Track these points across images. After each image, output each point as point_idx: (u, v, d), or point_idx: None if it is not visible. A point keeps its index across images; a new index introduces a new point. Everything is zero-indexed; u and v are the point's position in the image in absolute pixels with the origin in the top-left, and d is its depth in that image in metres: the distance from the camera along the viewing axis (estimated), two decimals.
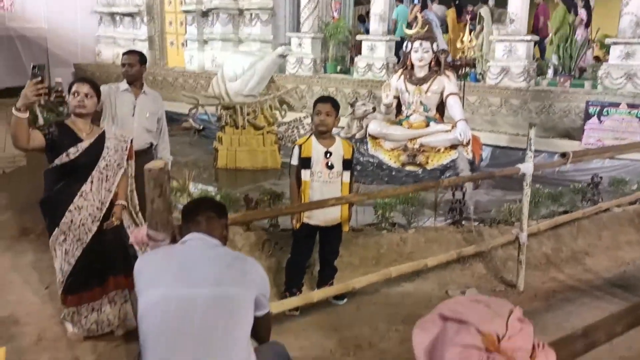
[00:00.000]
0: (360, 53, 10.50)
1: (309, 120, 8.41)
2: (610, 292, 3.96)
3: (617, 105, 7.57)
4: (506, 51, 8.76)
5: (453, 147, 6.88)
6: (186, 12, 12.33)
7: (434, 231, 4.55)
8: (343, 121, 8.00)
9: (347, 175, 3.63)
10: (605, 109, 7.62)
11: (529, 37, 8.84)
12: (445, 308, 1.21)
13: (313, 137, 3.60)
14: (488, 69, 8.96)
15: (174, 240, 2.27)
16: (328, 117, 3.52)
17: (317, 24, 10.92)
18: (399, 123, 7.18)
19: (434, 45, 6.80)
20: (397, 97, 7.22)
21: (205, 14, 11.98)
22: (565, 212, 4.89)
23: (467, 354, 1.10)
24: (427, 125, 7.03)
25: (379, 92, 8.59)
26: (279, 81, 10.63)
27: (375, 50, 10.18)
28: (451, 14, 12.48)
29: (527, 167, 3.75)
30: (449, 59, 7.69)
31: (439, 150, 6.92)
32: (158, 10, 13.34)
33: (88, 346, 3.19)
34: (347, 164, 3.63)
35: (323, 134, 3.57)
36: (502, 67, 8.75)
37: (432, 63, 6.87)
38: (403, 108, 7.22)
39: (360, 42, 10.53)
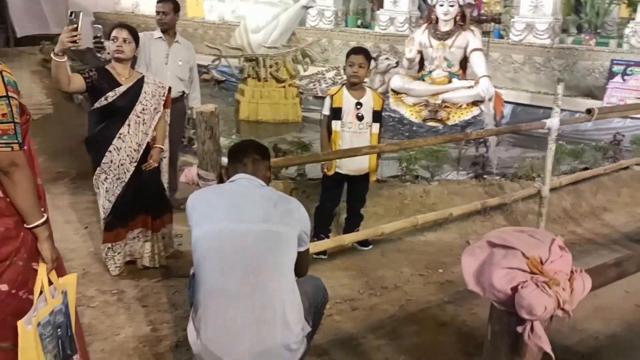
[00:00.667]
0: (382, 6, 10.36)
1: (331, 74, 8.44)
2: (627, 246, 4.08)
3: None
4: (532, 7, 8.60)
5: (475, 103, 6.90)
6: None
7: (456, 184, 4.66)
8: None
9: (376, 126, 3.73)
10: (629, 68, 7.54)
11: None
12: (493, 236, 1.34)
13: (344, 88, 3.68)
14: (512, 25, 8.83)
15: (220, 180, 2.41)
16: (361, 68, 3.58)
17: None
18: (422, 78, 7.19)
19: None
20: (421, 52, 7.19)
21: None
22: (586, 168, 4.98)
23: (513, 275, 1.23)
24: (450, 81, 7.03)
25: (401, 47, 8.52)
26: (300, 34, 10.56)
27: (398, 4, 10.03)
28: None
29: (553, 122, 3.82)
30: (475, 13, 7.61)
31: (460, 106, 6.94)
32: None
33: (130, 281, 3.40)
34: (377, 116, 3.72)
35: (355, 85, 3.65)
36: (527, 23, 8.61)
37: (458, 17, 6.81)
38: (426, 63, 7.21)
39: None
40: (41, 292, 1.85)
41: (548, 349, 1.24)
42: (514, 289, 1.22)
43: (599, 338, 2.84)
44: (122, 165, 3.20)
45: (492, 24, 8.75)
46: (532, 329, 1.23)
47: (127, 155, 3.19)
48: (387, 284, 3.45)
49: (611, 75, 7.65)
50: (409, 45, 7.30)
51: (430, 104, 7.05)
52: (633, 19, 8.30)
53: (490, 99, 6.89)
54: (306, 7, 8.23)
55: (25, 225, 1.80)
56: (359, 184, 3.85)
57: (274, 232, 2.06)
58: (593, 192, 4.79)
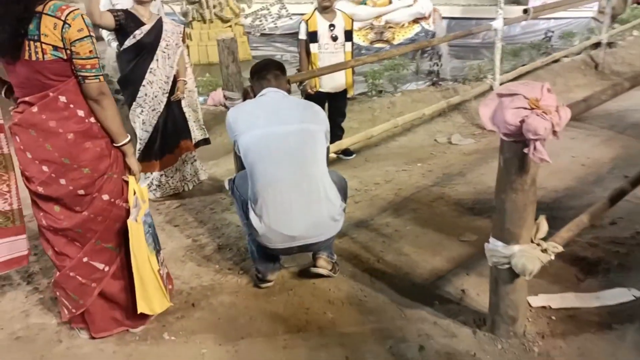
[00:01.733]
0: None
1: (275, 8, 8.62)
2: (568, 125, 4.79)
3: None
4: None
5: (416, 21, 7.41)
6: None
7: (417, 93, 5.21)
8: (309, 6, 8.27)
9: (349, 45, 4.15)
10: None
11: None
12: (500, 89, 1.83)
13: (317, 13, 4.05)
14: None
15: (244, 98, 2.79)
16: None
17: None
18: (363, 2, 7.58)
19: None
20: None
21: None
22: (524, 65, 5.63)
23: (520, 112, 1.74)
24: (390, 2, 7.47)
25: None
26: None
27: None
28: None
29: (498, 23, 4.37)
30: None
31: (403, 25, 7.43)
32: None
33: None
34: (349, 35, 4.13)
35: (326, 9, 4.02)
36: None
37: None
38: None
39: None
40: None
41: (548, 158, 1.78)
42: (522, 121, 1.74)
43: (557, 191, 3.52)
44: (155, 97, 3.52)
45: None
46: (534, 148, 1.77)
47: (159, 88, 3.52)
48: (377, 180, 4.00)
49: None
50: None
51: (375, 27, 7.48)
52: None
53: (429, 16, 7.39)
54: None
55: (114, 144, 2.15)
56: (339, 100, 4.30)
57: (309, 129, 2.50)
58: None
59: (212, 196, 3.98)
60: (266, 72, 2.65)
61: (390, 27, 7.44)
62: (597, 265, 2.64)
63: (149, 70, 3.48)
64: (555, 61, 5.73)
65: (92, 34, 1.98)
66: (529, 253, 1.97)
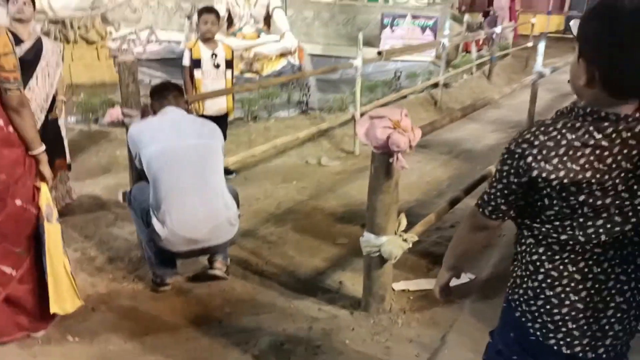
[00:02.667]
0: None
1: (144, 34, 8.70)
2: (415, 151, 5.64)
3: (404, 16, 9.38)
4: None
5: (282, 55, 8.01)
6: None
7: (289, 119, 5.74)
8: (180, 35, 8.53)
9: (229, 73, 4.53)
10: (395, 20, 9.39)
11: None
12: (371, 113, 2.36)
13: (200, 42, 4.38)
14: None
15: (142, 115, 3.04)
16: (213, 25, 4.33)
17: None
18: (233, 34, 8.02)
19: None
20: (229, 10, 7.98)
21: None
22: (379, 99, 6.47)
23: (386, 130, 2.27)
24: (259, 36, 8.00)
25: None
26: None
27: None
28: None
29: (358, 61, 5.09)
30: None
31: (271, 58, 7.99)
32: None
33: None
34: (229, 64, 4.52)
35: (208, 40, 4.38)
36: None
37: None
38: (235, 20, 8.04)
39: None
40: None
41: (407, 166, 2.34)
42: (388, 137, 2.27)
43: (409, 202, 4.21)
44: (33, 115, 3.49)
45: None
46: (397, 158, 2.31)
47: (38, 106, 3.49)
48: (258, 196, 4.39)
49: (382, 26, 9.42)
50: (218, 5, 8.01)
51: (245, 58, 7.94)
52: None
53: (294, 52, 8.05)
54: None
55: (30, 152, 2.28)
56: (221, 123, 4.53)
57: (208, 144, 2.83)
58: None
59: (93, 213, 4.04)
60: (167, 92, 2.94)
61: (259, 60, 7.94)
62: (441, 257, 3.29)
63: (27, 88, 3.47)
64: (403, 97, 6.67)
65: (15, 50, 2.14)
66: (394, 242, 2.50)
